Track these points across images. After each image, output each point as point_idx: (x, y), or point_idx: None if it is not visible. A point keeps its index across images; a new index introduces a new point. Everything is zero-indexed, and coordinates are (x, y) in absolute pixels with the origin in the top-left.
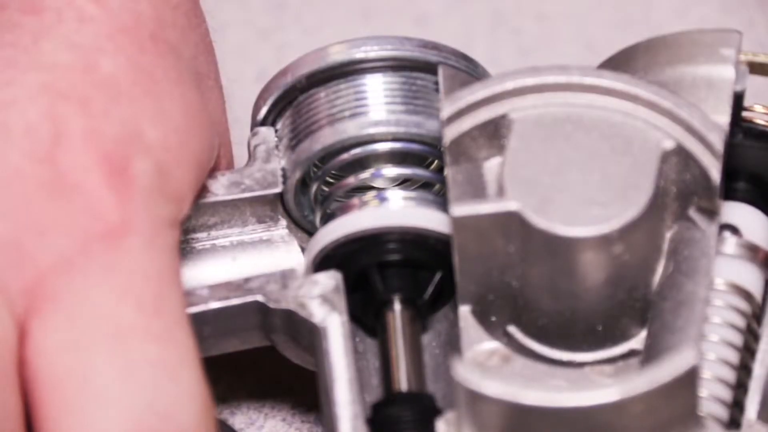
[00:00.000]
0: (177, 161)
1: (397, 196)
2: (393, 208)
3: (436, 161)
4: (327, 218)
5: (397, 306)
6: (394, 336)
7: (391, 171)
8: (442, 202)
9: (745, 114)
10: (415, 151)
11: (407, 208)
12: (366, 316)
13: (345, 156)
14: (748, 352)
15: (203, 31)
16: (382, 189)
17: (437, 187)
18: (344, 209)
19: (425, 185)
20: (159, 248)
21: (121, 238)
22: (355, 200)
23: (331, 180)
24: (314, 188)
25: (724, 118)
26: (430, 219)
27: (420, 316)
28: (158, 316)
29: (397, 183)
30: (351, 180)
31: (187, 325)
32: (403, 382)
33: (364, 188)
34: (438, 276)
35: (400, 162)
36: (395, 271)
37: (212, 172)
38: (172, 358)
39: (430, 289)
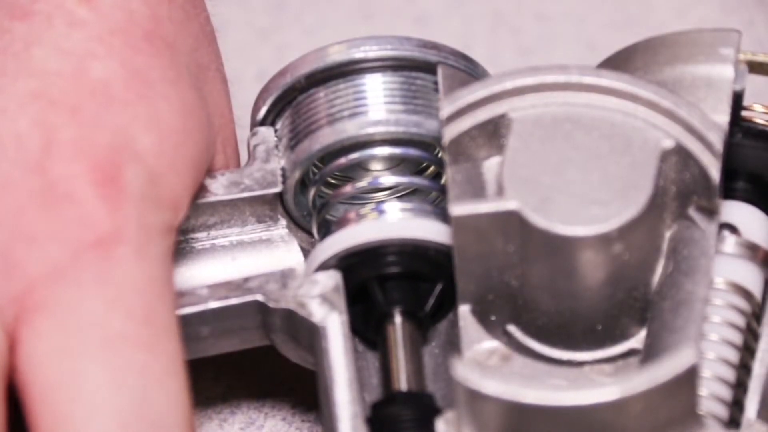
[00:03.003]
0: (171, 166)
1: (394, 208)
2: (391, 220)
3: (432, 167)
4: (324, 227)
5: (398, 318)
6: (395, 348)
7: (388, 179)
8: (440, 213)
9: (744, 113)
10: (412, 156)
11: (405, 220)
12: (366, 330)
13: (342, 160)
14: (747, 351)
15: (203, 20)
16: (380, 201)
17: (435, 196)
18: (342, 222)
19: (422, 193)
20: (150, 257)
21: (112, 248)
22: (353, 213)
23: (331, 182)
24: (312, 192)
25: (723, 118)
26: (428, 230)
27: (421, 328)
28: (148, 325)
29: (394, 192)
30: (348, 189)
31: (176, 333)
32: (402, 381)
33: (361, 199)
34: (438, 287)
35: (398, 166)
36: (395, 283)
37: (212, 165)
38: (160, 366)
39: (431, 301)
